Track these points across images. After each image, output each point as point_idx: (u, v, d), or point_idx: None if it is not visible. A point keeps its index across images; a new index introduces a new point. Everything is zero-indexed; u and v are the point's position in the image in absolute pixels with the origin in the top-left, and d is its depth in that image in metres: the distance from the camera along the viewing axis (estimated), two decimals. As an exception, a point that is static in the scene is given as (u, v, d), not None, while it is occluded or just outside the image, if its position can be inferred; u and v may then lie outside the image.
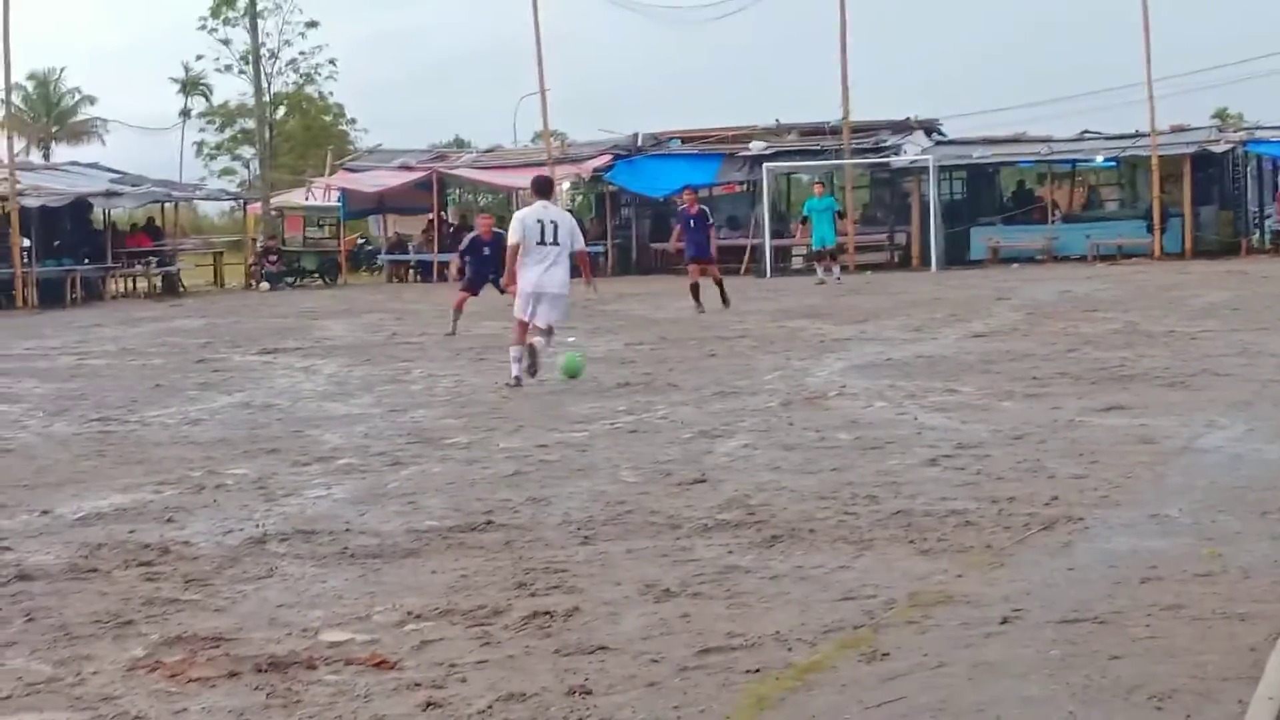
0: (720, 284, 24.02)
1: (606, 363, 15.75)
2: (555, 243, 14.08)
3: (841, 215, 33.94)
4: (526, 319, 14.15)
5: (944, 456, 9.12)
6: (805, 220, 33.54)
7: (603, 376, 14.42)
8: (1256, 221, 40.03)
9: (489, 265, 20.07)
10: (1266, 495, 7.59)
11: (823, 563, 6.50)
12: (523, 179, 43.68)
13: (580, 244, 14.54)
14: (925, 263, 37.41)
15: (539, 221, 14.06)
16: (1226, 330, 16.83)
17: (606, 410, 11.93)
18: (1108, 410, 10.90)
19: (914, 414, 11.06)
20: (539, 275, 14.03)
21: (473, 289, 20.85)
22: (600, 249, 41.60)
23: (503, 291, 19.27)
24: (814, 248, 32.18)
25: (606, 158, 41.89)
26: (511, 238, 14.12)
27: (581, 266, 14.69)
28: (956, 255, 38.54)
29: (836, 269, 31.75)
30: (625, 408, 12.04)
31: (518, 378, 13.91)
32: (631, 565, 6.59)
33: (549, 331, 14.25)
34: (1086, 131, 41.34)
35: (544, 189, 14.66)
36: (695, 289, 23.88)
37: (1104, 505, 7.51)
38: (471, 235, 21.75)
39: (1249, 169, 40.42)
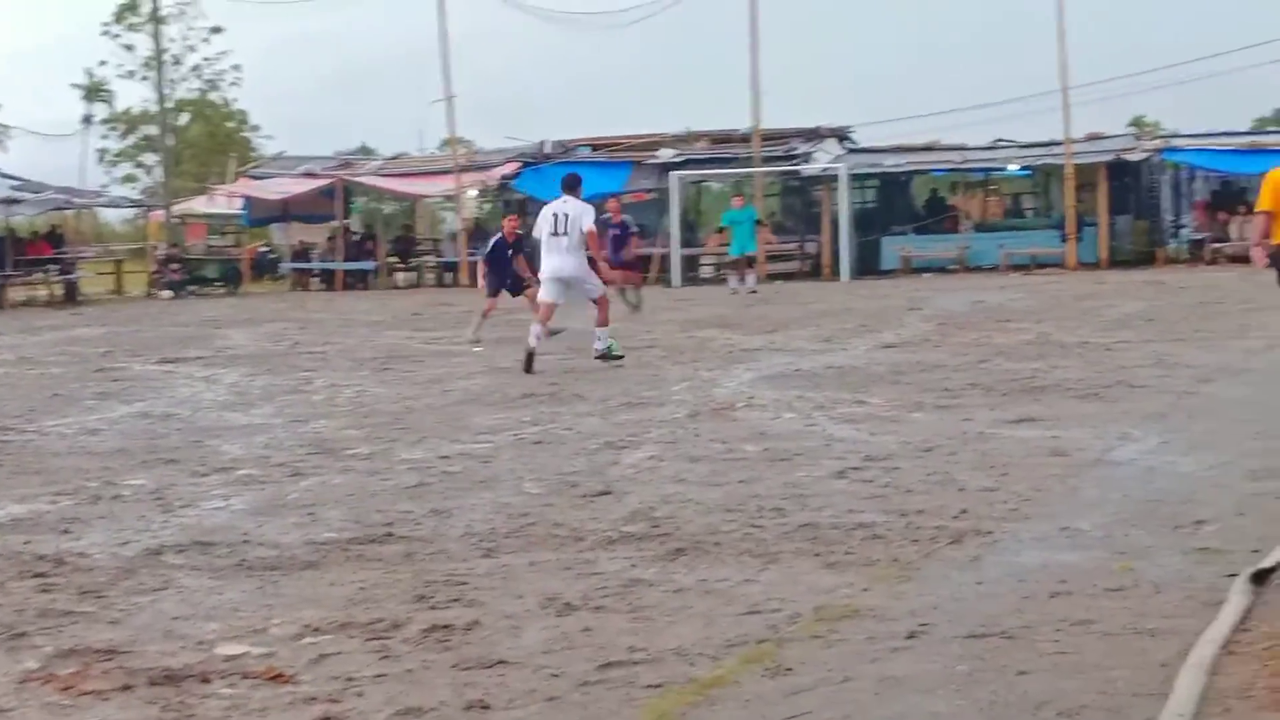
0: (624, 292, 24.15)
1: (512, 373, 15.71)
2: (566, 233, 15.92)
3: (763, 224, 34.01)
4: (554, 302, 16.24)
5: (852, 469, 9.16)
6: (721, 231, 33.56)
7: (508, 387, 14.39)
8: (1173, 231, 40.58)
9: (510, 270, 20.27)
10: (1180, 509, 7.66)
11: (727, 576, 6.51)
12: (428, 186, 43.92)
13: (586, 224, 16.01)
14: (836, 273, 37.69)
15: (553, 215, 16.01)
16: (1141, 341, 17.03)
17: (511, 421, 11.89)
18: (1019, 422, 10.99)
19: (822, 425, 11.11)
20: (555, 263, 15.97)
21: (496, 293, 20.52)
22: (507, 257, 41.55)
23: (515, 295, 20.08)
24: (731, 254, 32.18)
25: (514, 165, 41.87)
26: (537, 229, 16.37)
27: (590, 245, 16.28)
28: (868, 265, 38.84)
29: (752, 278, 31.73)
30: (530, 418, 12.01)
31: (531, 352, 15.63)
32: (533, 578, 6.56)
33: (603, 301, 16.24)
34: (1000, 139, 41.77)
35: (570, 185, 16.38)
36: (623, 293, 24.01)
37: (1014, 518, 7.56)
38: (496, 238, 21.25)
39: (1165, 177, 41.00)
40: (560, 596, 6.20)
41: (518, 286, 20.28)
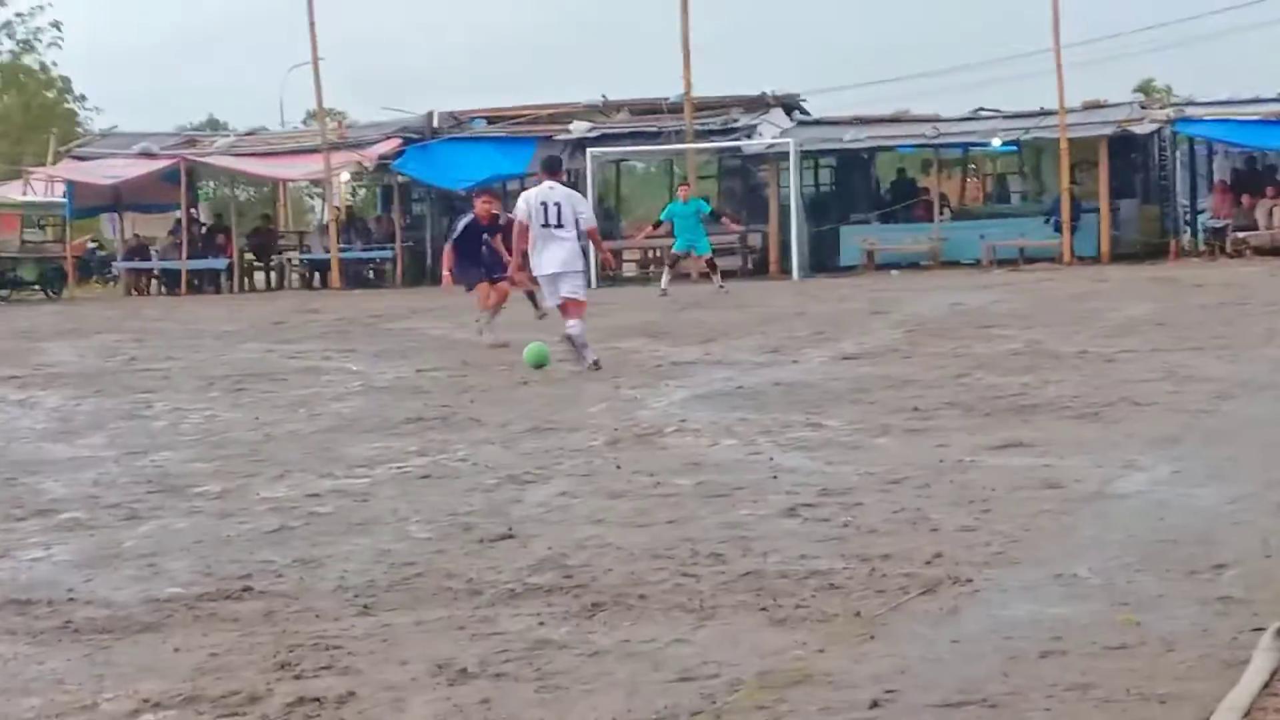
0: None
1: (394, 393, 15.69)
2: (560, 224, 16.90)
3: (716, 217, 34.07)
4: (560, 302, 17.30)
5: (805, 505, 9.19)
6: (659, 225, 33.58)
7: (389, 410, 14.37)
8: (1187, 218, 40.93)
9: (486, 256, 20.76)
10: (1195, 551, 7.73)
11: (654, 636, 6.52)
12: (291, 168, 43.79)
13: (588, 221, 17.27)
14: (785, 269, 37.90)
15: (542, 204, 16.88)
16: (1149, 351, 17.20)
17: (394, 451, 11.87)
18: (1005, 448, 11.07)
19: (769, 454, 11.15)
20: (553, 256, 16.96)
21: (490, 278, 20.91)
22: (388, 253, 41.52)
23: (493, 283, 20.58)
24: (676, 250, 32.31)
25: (394, 142, 41.85)
26: (518, 216, 17.15)
27: (594, 244, 18.30)
28: (824, 260, 39.13)
29: (716, 277, 31.92)
30: (417, 448, 12.00)
31: (595, 361, 17.00)
32: (421, 640, 6.55)
33: (568, 307, 17.11)
34: (982, 109, 42.09)
35: (552, 167, 17.64)
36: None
37: (998, 564, 7.61)
38: (466, 220, 21.57)
39: (1178, 154, 41.31)
40: (453, 662, 6.19)
41: (496, 270, 20.61)
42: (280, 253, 45.06)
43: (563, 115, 41.72)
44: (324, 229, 43.58)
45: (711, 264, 32.53)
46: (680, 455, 11.25)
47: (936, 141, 40.78)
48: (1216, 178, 40.91)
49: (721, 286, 31.25)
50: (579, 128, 40.65)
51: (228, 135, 49.42)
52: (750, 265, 39.91)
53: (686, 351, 19.20)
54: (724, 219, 36.01)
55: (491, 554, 8.16)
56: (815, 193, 43.22)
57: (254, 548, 8.49)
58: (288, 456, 11.85)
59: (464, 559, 8.05)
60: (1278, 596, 6.75)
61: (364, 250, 42.82)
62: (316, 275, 42.80)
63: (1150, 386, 14.17)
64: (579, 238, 17.31)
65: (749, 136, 40.15)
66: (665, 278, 32.38)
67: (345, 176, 45.31)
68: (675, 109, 40.24)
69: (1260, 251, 36.33)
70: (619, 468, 10.79)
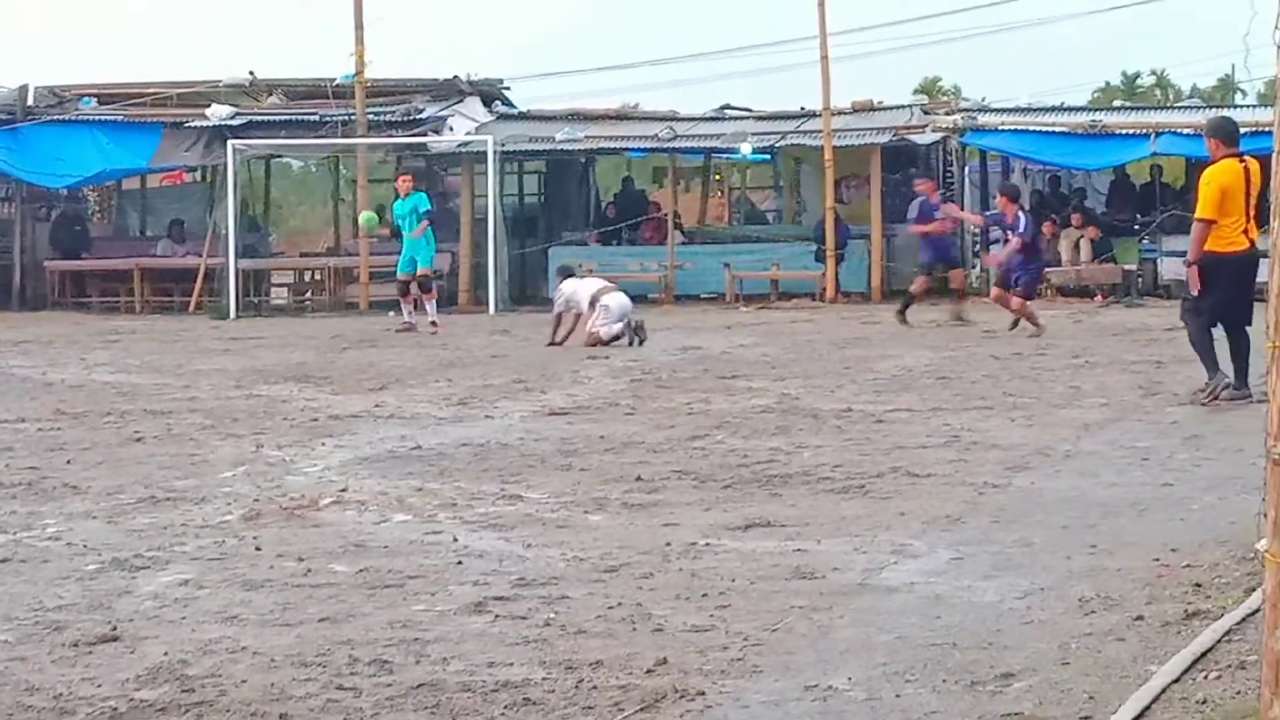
0: None
1: (-32, 450, 15.40)
2: None
3: (432, 219, 33.04)
4: None
5: (497, 599, 9.20)
6: (397, 233, 32.82)
7: (-40, 472, 14.10)
8: (977, 248, 41.72)
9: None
10: (977, 657, 7.88)
11: (299, 767, 6.48)
12: None
13: None
14: (480, 300, 37.91)
15: None
16: (929, 410, 17.50)
17: (-37, 526, 11.66)
18: (748, 528, 11.18)
19: (452, 533, 11.14)
20: None
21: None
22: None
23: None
24: (399, 272, 31.61)
25: (-27, 123, 41.15)
26: None
27: None
28: (528, 289, 39.24)
29: (431, 304, 31.40)
30: (-6, 522, 11.81)
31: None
32: (-8, 775, 6.43)
33: None
34: (728, 107, 42.55)
35: None
36: None
37: (736, 673, 7.68)
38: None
39: (968, 171, 42.11)
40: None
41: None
42: None
43: (198, 96, 41.29)
44: None
45: (425, 286, 31.69)
46: (339, 534, 11.20)
47: (672, 145, 41.04)
48: (1014, 200, 41.81)
49: (433, 324, 30.82)
50: (218, 113, 40.25)
51: None
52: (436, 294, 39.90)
53: (350, 401, 19.13)
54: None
55: (89, 661, 8.04)
56: (519, 205, 43.35)
57: None
58: None
59: (52, 668, 7.92)
60: (1078, 714, 6.90)
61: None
62: None
63: (929, 454, 14.43)
64: None
65: (436, 131, 40.14)
66: (405, 310, 31.59)
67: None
68: (343, 93, 40.07)
69: (1063, 292, 37.10)
70: (259, 550, 10.70)
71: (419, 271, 31.51)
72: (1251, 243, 15.87)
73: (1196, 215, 16.59)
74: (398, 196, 32.46)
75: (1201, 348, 16.51)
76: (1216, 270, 16.21)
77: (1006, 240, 28.97)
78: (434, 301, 31.97)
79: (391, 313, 32.80)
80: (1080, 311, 31.20)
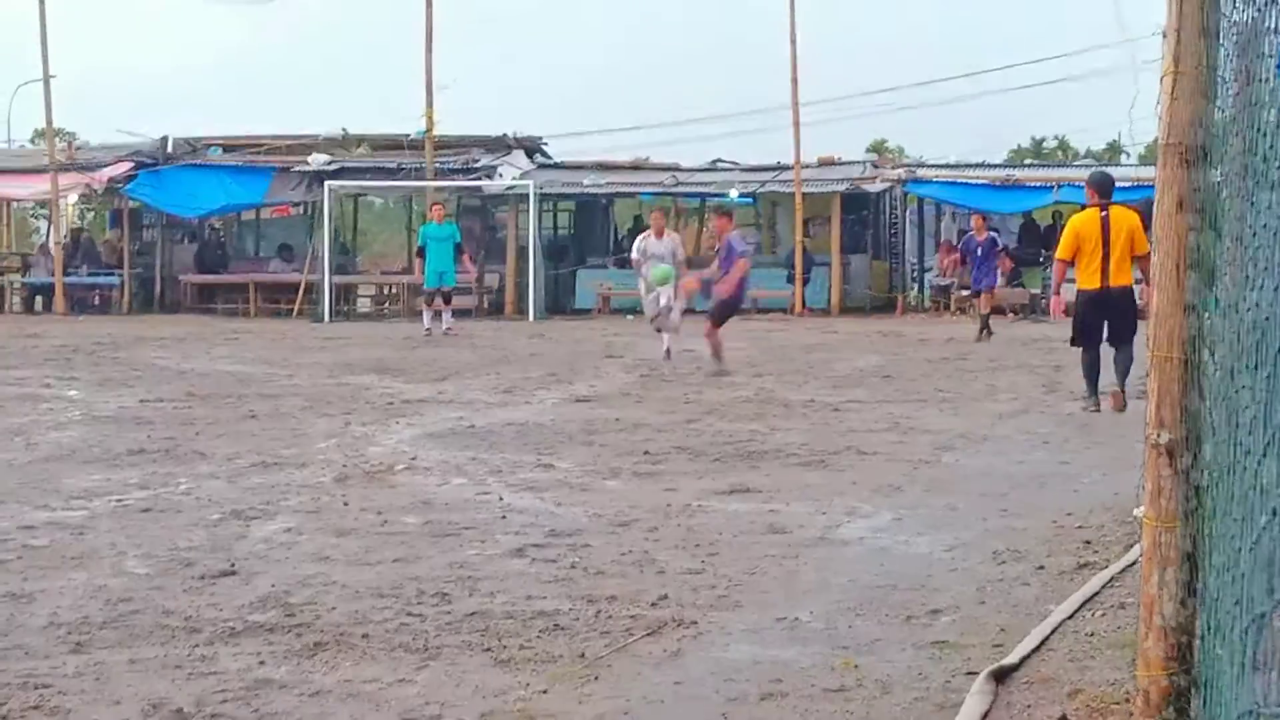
0: None
1: (117, 423, 15.38)
2: None
3: (462, 249, 33.06)
4: None
5: (533, 546, 9.21)
6: (422, 251, 32.59)
7: (111, 441, 14.08)
8: (915, 275, 41.81)
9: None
10: (912, 596, 7.91)
11: (377, 676, 6.47)
12: (16, 188, 42.82)
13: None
14: (522, 310, 37.92)
15: None
16: (876, 401, 17.51)
17: (114, 483, 11.64)
18: (732, 493, 11.20)
19: (499, 494, 11.14)
20: None
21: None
22: (115, 279, 40.80)
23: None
24: (427, 287, 31.38)
25: (126, 166, 41.09)
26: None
27: None
28: (560, 303, 39.20)
29: (448, 315, 31.16)
30: (138, 480, 11.77)
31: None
32: (135, 679, 6.42)
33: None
34: (720, 160, 42.57)
35: None
36: None
37: (722, 606, 7.70)
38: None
39: (908, 213, 42.26)
40: (168, 701, 6.08)
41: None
42: (1, 275, 43.91)
43: (301, 146, 41.29)
44: (45, 250, 42.57)
45: (448, 297, 31.53)
46: (409, 493, 11.20)
47: (675, 190, 41.16)
48: (943, 237, 41.85)
49: (448, 330, 30.63)
50: (318, 160, 40.25)
51: (-51, 153, 48.18)
52: (486, 305, 39.87)
53: (419, 389, 19.12)
54: (465, 258, 35.54)
55: (212, 590, 8.04)
56: (554, 236, 43.37)
57: (-37, 580, 8.27)
58: (2, 486, 11.54)
59: (183, 595, 7.92)
60: (991, 642, 6.92)
61: (90, 275, 41.95)
62: (39, 299, 41.79)
63: (875, 436, 14.43)
64: None
65: (489, 177, 40.12)
66: (427, 317, 31.40)
67: (73, 199, 44.40)
68: (416, 145, 40.07)
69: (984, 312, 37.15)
70: (346, 505, 10.71)
71: (445, 289, 31.53)
72: (1104, 282, 15.75)
73: (1055, 255, 16.80)
74: (426, 220, 32.54)
75: (1087, 371, 16.42)
76: (1076, 301, 16.29)
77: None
78: (450, 311, 31.87)
79: (426, 316, 32.23)
80: (996, 325, 31.07)
